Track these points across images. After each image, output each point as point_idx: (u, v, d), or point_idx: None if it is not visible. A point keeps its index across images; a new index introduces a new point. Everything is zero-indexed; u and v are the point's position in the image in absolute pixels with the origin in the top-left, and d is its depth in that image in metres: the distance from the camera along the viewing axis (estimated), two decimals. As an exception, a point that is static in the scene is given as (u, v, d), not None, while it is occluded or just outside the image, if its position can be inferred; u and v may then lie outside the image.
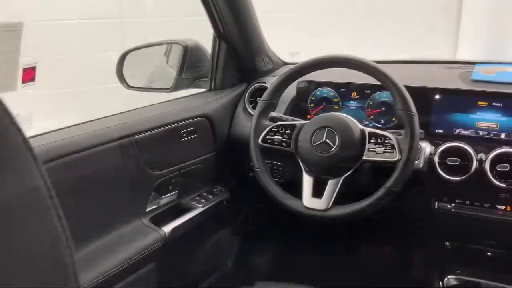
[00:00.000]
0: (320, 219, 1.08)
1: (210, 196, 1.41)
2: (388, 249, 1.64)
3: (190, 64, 1.47)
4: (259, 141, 1.17)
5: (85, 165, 1.04)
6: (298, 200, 1.11)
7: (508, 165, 1.07)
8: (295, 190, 1.13)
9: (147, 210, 1.24)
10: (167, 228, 1.23)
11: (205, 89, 1.53)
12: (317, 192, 1.09)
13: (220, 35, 1.46)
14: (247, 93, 1.49)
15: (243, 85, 1.53)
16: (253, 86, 1.49)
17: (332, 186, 1.07)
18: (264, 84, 1.47)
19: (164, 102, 1.41)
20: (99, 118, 1.19)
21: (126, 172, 1.15)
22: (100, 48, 2.68)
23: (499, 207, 1.16)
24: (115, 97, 1.73)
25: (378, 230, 1.53)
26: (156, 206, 1.27)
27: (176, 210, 1.32)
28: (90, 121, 1.17)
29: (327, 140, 1.08)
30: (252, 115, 1.40)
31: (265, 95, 1.20)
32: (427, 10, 4.01)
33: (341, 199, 1.08)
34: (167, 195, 1.30)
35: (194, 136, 1.33)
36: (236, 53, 1.48)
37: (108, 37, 2.70)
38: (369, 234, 1.59)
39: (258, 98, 1.46)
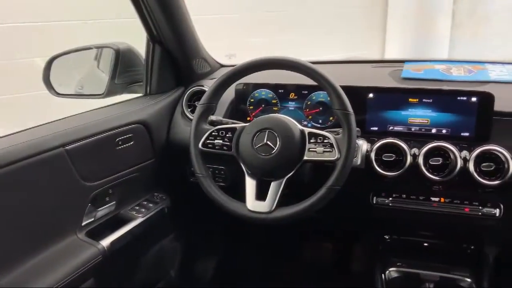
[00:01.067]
0: (265, 222, 1.07)
1: (151, 205, 1.37)
2: (330, 246, 1.68)
3: (123, 69, 1.41)
4: (200, 145, 1.14)
5: (12, 179, 0.97)
6: (241, 204, 1.09)
7: (440, 159, 1.12)
8: (239, 193, 1.11)
9: (83, 224, 1.18)
10: (106, 242, 1.17)
11: (140, 94, 1.48)
12: (261, 194, 1.08)
13: (153, 38, 1.41)
14: (185, 97, 1.46)
15: (180, 89, 1.50)
16: (190, 90, 1.46)
17: (275, 188, 1.07)
18: (202, 88, 1.45)
19: (97, 109, 1.35)
20: (27, 129, 1.11)
21: (58, 185, 1.09)
22: (24, 54, 2.52)
23: (433, 199, 1.22)
24: (42, 105, 1.63)
25: (320, 228, 1.55)
26: (92, 219, 1.21)
27: (115, 222, 1.27)
28: (16, 132, 1.09)
29: (268, 142, 1.07)
30: (190, 119, 1.38)
31: (204, 98, 1.18)
32: (355, 12, 4.16)
33: (284, 200, 1.08)
34: (104, 206, 1.24)
35: (130, 143, 1.28)
36: (171, 56, 1.44)
37: (33, 42, 2.55)
38: (312, 232, 1.62)
39: (196, 102, 1.43)
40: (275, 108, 1.35)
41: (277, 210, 1.06)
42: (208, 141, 1.14)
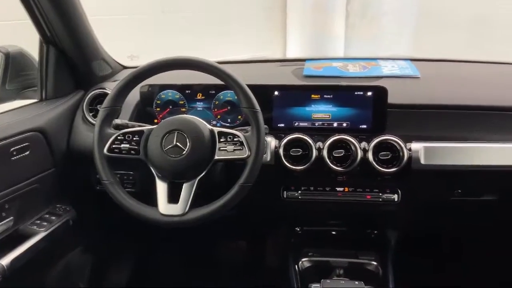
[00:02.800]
0: (179, 225, 1.06)
1: (53, 218, 1.28)
2: (245, 243, 1.70)
3: (14, 73, 1.31)
4: (105, 151, 1.09)
5: None
6: (153, 208, 1.06)
7: (342, 151, 1.19)
8: (150, 198, 1.08)
9: None
10: (5, 261, 1.08)
11: (35, 100, 1.37)
12: (173, 197, 1.07)
13: (47, 40, 1.32)
14: (86, 101, 1.39)
15: (79, 92, 1.42)
16: (91, 93, 1.39)
17: (187, 190, 1.06)
18: (104, 90, 1.38)
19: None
20: None
21: None
22: None
23: (338, 189, 1.29)
24: None
25: (234, 225, 1.56)
26: (-13, 238, 1.10)
27: (14, 239, 1.16)
28: None
29: (178, 144, 1.06)
30: (93, 124, 1.31)
31: (106, 101, 1.12)
32: (257, 13, 4.25)
33: (198, 201, 1.07)
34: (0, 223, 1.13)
35: (26, 153, 1.19)
36: (68, 58, 1.36)
37: None
38: (225, 231, 1.62)
39: (98, 106, 1.36)
40: (183, 109, 1.33)
41: (190, 211, 1.05)
42: (113, 146, 1.09)
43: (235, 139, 1.07)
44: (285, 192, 1.29)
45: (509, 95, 1.27)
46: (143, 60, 1.16)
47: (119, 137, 1.10)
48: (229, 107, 1.31)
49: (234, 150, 1.07)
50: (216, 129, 1.09)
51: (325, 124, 1.27)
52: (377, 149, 1.19)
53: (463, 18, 3.56)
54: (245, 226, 1.53)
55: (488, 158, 1.18)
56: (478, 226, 1.49)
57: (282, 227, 1.52)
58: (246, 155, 1.05)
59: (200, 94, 1.32)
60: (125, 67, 1.55)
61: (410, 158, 1.18)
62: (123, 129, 1.12)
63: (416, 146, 1.19)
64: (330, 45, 4.34)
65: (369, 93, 1.23)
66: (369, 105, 1.24)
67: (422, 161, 1.18)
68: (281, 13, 4.43)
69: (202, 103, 1.33)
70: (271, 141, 1.21)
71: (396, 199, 1.26)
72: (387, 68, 1.43)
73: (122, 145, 1.09)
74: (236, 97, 1.12)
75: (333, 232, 1.47)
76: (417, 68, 1.40)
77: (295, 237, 1.49)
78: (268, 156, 1.20)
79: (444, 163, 1.18)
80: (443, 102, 1.25)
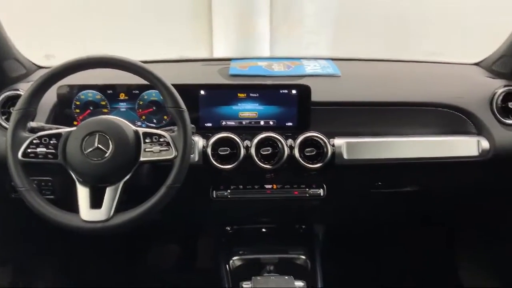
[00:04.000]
0: (103, 231, 1.01)
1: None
2: (175, 245, 1.67)
3: None
4: (19, 156, 1.02)
5: None
6: (74, 215, 1.01)
7: (270, 148, 1.21)
8: (71, 205, 1.03)
9: None
10: None
11: None
12: (96, 202, 1.02)
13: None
14: None
15: (-11, 95, 1.31)
16: (3, 95, 1.29)
17: (111, 194, 1.02)
18: (17, 92, 1.29)
19: None
20: None
21: None
22: None
23: (267, 186, 1.30)
24: None
25: (165, 228, 1.53)
26: None
27: None
28: None
29: (100, 146, 1.01)
30: (6, 128, 1.22)
31: (20, 103, 1.05)
32: (182, 13, 4.20)
33: (124, 205, 1.03)
34: None
35: None
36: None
37: None
38: (155, 233, 1.58)
39: (11, 108, 1.27)
40: (105, 110, 1.28)
41: (115, 216, 1.01)
42: (29, 150, 1.03)
43: (161, 140, 1.05)
44: (214, 191, 1.29)
45: (421, 90, 1.36)
46: (60, 60, 1.10)
47: (34, 141, 1.03)
48: (154, 107, 1.28)
49: (161, 150, 1.04)
50: (140, 130, 1.06)
51: (252, 123, 1.28)
52: (303, 145, 1.22)
53: (381, 18, 3.76)
54: (175, 228, 1.50)
55: (406, 151, 1.26)
56: (399, 217, 1.58)
57: (212, 227, 1.51)
58: (173, 156, 1.04)
59: (123, 94, 1.28)
60: (40, 67, 1.46)
61: (333, 153, 1.22)
62: (39, 132, 1.05)
63: (338, 141, 1.23)
64: (256, 45, 4.39)
65: (294, 92, 1.26)
66: (294, 103, 1.27)
67: (345, 156, 1.22)
68: (207, 15, 4.42)
69: (125, 103, 1.28)
70: (199, 141, 1.20)
71: (322, 194, 1.30)
72: (310, 67, 1.46)
73: (39, 149, 1.03)
74: (161, 97, 1.09)
75: (264, 230, 1.49)
76: (337, 67, 1.46)
77: (226, 236, 1.49)
78: (196, 156, 1.19)
79: (365, 157, 1.24)
80: (363, 99, 1.31)
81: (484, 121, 1.29)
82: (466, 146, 1.27)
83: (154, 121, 1.28)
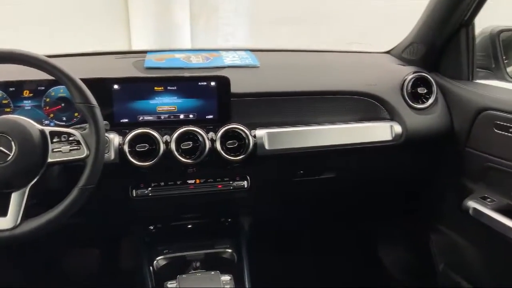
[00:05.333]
0: (10, 240, 0.93)
1: None
2: (97, 248, 1.59)
3: None
4: None
5: None
6: None
7: (190, 142, 1.17)
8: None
9: None
10: None
11: None
12: (0, 210, 0.93)
13: None
14: None
15: None
16: None
17: (17, 200, 0.94)
18: None
19: None
20: None
21: None
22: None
23: (189, 181, 1.27)
24: None
25: (83, 231, 1.45)
26: None
27: None
28: None
29: (1, 148, 0.93)
30: None
31: None
32: (97, 5, 3.99)
33: (34, 210, 0.96)
34: None
35: None
36: None
37: None
38: (74, 237, 1.50)
39: None
40: (8, 110, 1.17)
41: (23, 223, 0.94)
42: None
43: (70, 138, 0.98)
44: (134, 190, 1.24)
45: (337, 79, 1.39)
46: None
47: None
48: (63, 104, 1.19)
49: (71, 150, 0.98)
50: (47, 129, 0.98)
51: (172, 117, 1.23)
52: (224, 138, 1.20)
53: (300, 9, 3.84)
54: (95, 230, 1.43)
55: (324, 139, 1.29)
56: (321, 204, 1.62)
57: (135, 227, 1.45)
58: (84, 155, 0.97)
59: (28, 92, 1.18)
60: None
61: (255, 144, 1.22)
62: None
63: (260, 133, 1.23)
64: (177, 37, 4.29)
65: (213, 83, 1.24)
66: (214, 95, 1.24)
67: (267, 147, 1.23)
68: (123, 7, 4.24)
69: (30, 101, 1.18)
70: (114, 138, 1.14)
71: (245, 186, 1.30)
72: (229, 59, 1.45)
73: None
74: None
75: (189, 226, 1.46)
76: (256, 58, 1.45)
77: (149, 236, 1.44)
78: (112, 154, 1.13)
79: (286, 147, 1.25)
80: (282, 89, 1.31)
81: (396, 106, 1.35)
82: (380, 131, 1.33)
83: (64, 119, 1.20)
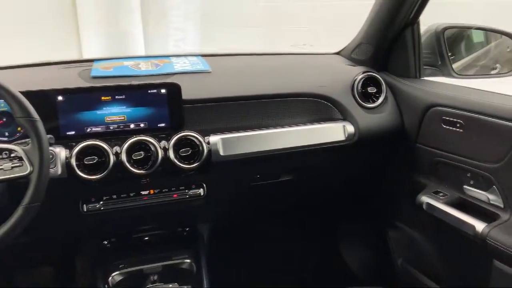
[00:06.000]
0: None
1: None
2: (50, 268, 1.52)
3: None
4: None
5: None
6: None
7: (142, 152, 1.14)
8: None
9: None
10: None
11: None
12: None
13: None
14: None
15: None
16: None
17: None
18: None
19: None
20: None
21: None
22: None
23: (143, 193, 1.24)
24: None
25: (33, 251, 1.38)
26: None
27: None
28: None
29: None
30: None
31: None
32: (45, 15, 3.86)
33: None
34: None
35: None
36: None
37: None
38: (24, 257, 1.43)
39: None
40: None
41: None
42: None
43: (12, 155, 0.94)
44: (84, 205, 1.19)
45: (289, 82, 1.39)
46: None
47: None
48: (4, 119, 1.13)
49: (13, 167, 0.93)
50: None
51: (121, 127, 1.19)
52: (178, 146, 1.17)
53: (252, 12, 3.85)
54: (46, 248, 1.36)
55: (279, 142, 1.28)
56: (280, 208, 1.62)
57: (88, 243, 1.40)
58: (27, 172, 0.93)
59: None
60: None
61: (210, 151, 1.20)
62: None
63: (214, 139, 1.21)
64: (129, 44, 4.21)
65: (163, 91, 1.21)
66: (164, 103, 1.21)
67: (221, 153, 1.21)
68: (73, 15, 4.12)
69: None
70: (60, 152, 1.09)
71: (202, 193, 1.27)
72: (179, 65, 1.42)
73: None
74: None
75: (146, 238, 1.42)
76: (208, 63, 1.43)
77: (103, 251, 1.38)
78: (58, 169, 1.08)
79: (241, 152, 1.24)
80: (234, 94, 1.30)
81: (347, 107, 1.36)
82: (334, 132, 1.34)
83: (6, 134, 1.13)
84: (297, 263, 1.75)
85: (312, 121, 1.35)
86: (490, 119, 1.13)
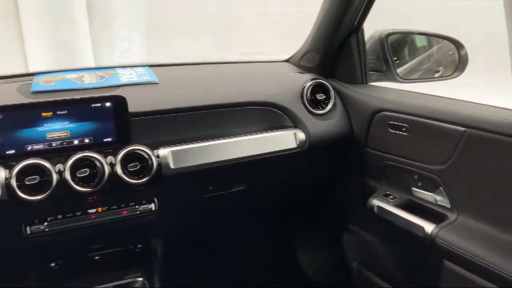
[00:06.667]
0: None
1: None
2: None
3: None
4: None
5: None
6: None
7: (87, 169, 1.10)
8: None
9: None
10: None
11: None
12: None
13: None
14: None
15: None
16: None
17: None
18: None
19: None
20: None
21: None
22: None
23: (91, 211, 1.19)
24: None
25: None
26: None
27: None
28: None
29: None
30: None
31: None
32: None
33: None
34: None
35: None
36: None
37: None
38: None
39: None
40: None
41: None
42: None
43: None
44: (28, 227, 1.13)
45: (239, 91, 1.38)
46: None
47: None
48: None
49: None
50: None
51: (65, 143, 1.14)
52: (125, 161, 1.14)
53: (198, 20, 3.82)
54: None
55: (231, 152, 1.27)
56: (235, 218, 1.60)
57: (33, 267, 1.33)
58: None
59: None
60: None
61: (159, 165, 1.17)
62: None
63: (163, 152, 1.19)
64: (78, 56, 4.08)
65: (108, 104, 1.17)
66: (110, 116, 1.17)
67: (172, 166, 1.18)
68: (16, 27, 3.95)
69: None
70: None
71: (153, 208, 1.24)
72: (125, 76, 1.38)
73: None
74: None
75: (96, 257, 1.36)
76: (155, 73, 1.40)
77: (50, 274, 1.32)
78: None
79: (192, 164, 1.21)
80: (183, 104, 1.28)
81: (298, 114, 1.37)
82: (285, 139, 1.34)
83: None
84: (253, 272, 1.74)
85: (263, 130, 1.35)
86: (434, 122, 1.17)
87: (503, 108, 1.09)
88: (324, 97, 1.42)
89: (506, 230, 1.04)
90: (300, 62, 1.56)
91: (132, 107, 1.19)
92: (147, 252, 1.41)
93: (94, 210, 1.19)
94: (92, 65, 4.02)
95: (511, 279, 0.95)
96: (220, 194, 1.37)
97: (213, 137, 1.27)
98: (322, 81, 1.43)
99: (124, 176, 1.13)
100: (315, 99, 1.41)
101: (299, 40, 1.60)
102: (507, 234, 1.03)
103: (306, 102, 1.40)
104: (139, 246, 1.40)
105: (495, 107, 1.11)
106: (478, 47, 2.49)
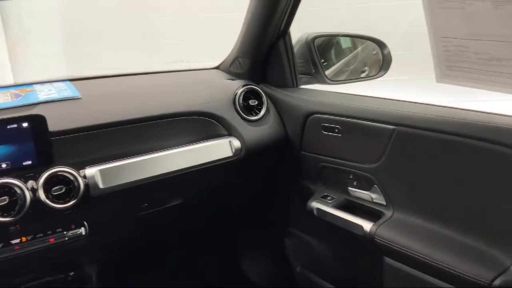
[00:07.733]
0: None
1: None
2: None
3: None
4: None
5: None
6: None
7: (6, 197, 1.01)
8: None
9: None
10: None
11: None
12: None
13: None
14: None
15: None
16: None
17: None
18: None
19: None
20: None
21: None
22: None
23: (14, 241, 1.08)
24: None
25: None
26: None
27: None
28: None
29: None
30: None
31: None
32: None
33: None
34: None
35: None
36: None
37: None
38: None
39: None
40: None
41: None
42: None
43: None
44: None
45: (168, 102, 1.34)
46: None
47: None
48: None
49: None
50: None
51: None
52: (48, 185, 1.05)
53: (121, 30, 3.70)
54: None
55: (163, 166, 1.22)
56: (174, 232, 1.55)
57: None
58: None
59: None
60: None
61: (87, 185, 1.09)
62: None
63: (90, 171, 1.11)
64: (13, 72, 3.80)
65: (25, 125, 1.07)
66: (28, 137, 1.08)
67: (101, 186, 1.11)
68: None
69: None
70: None
71: (83, 233, 1.15)
72: (44, 93, 1.29)
73: None
74: None
75: None
76: (77, 88, 1.32)
77: None
78: None
79: (123, 181, 1.15)
80: (109, 120, 1.20)
81: (231, 122, 1.34)
82: (220, 148, 1.31)
83: None
84: (198, 283, 1.69)
85: (198, 140, 1.31)
86: (364, 122, 1.19)
87: (429, 104, 1.13)
88: (256, 103, 1.41)
89: (436, 221, 1.07)
90: (230, 68, 1.54)
91: (53, 126, 1.10)
92: (80, 279, 1.32)
93: (17, 241, 1.08)
94: (11, 82, 3.77)
95: (444, 269, 0.98)
96: (156, 210, 1.31)
97: (144, 152, 1.21)
98: (254, 87, 1.42)
99: (48, 201, 1.04)
100: (247, 105, 1.39)
101: (228, 46, 1.58)
102: (438, 225, 1.07)
103: (239, 109, 1.38)
104: (71, 274, 1.30)
105: (422, 103, 1.15)
106: (399, 45, 2.60)
